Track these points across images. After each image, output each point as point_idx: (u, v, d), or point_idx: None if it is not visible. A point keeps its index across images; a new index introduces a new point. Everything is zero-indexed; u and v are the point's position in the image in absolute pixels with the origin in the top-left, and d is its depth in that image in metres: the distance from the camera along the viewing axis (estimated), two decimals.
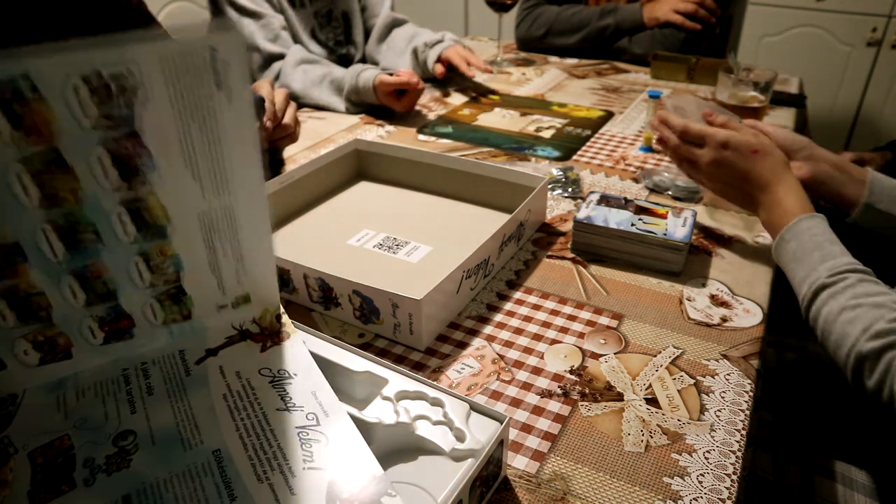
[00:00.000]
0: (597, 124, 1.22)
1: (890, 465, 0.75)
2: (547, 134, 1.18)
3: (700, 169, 0.77)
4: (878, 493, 0.73)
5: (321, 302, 0.69)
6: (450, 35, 1.50)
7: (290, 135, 0.95)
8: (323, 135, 1.19)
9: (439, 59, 1.43)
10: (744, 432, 0.54)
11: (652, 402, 0.58)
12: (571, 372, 0.61)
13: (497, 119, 1.25)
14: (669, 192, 0.94)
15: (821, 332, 0.62)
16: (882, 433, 0.79)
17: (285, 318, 0.53)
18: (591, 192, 0.85)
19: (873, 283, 0.61)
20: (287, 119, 0.93)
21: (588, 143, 1.14)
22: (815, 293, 0.63)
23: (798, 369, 0.92)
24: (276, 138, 0.93)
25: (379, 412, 0.48)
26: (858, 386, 0.59)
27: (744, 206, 0.76)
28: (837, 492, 0.74)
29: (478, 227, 0.84)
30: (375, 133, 1.19)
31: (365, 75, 1.26)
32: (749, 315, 0.69)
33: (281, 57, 1.31)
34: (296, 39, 1.37)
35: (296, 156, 1.09)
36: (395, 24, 1.55)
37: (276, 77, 1.31)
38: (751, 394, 0.59)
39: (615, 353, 0.64)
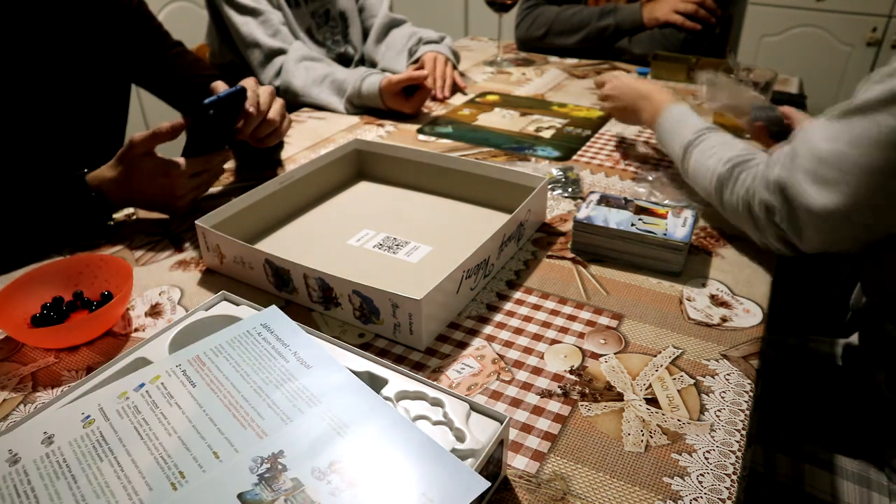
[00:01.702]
0: (597, 124, 1.22)
1: (879, 454, 0.75)
2: (547, 134, 1.18)
3: (607, 101, 1.08)
4: (868, 482, 0.73)
5: (321, 302, 0.69)
6: (448, 41, 1.49)
7: (276, 130, 0.94)
8: (323, 135, 1.19)
9: (417, 60, 1.42)
10: (744, 432, 0.54)
11: (652, 402, 0.58)
12: (571, 372, 0.61)
13: (497, 119, 1.25)
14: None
15: (693, 174, 0.83)
16: (872, 423, 0.79)
17: None
18: (591, 192, 0.85)
19: (723, 133, 0.83)
20: (272, 114, 0.91)
21: (588, 143, 1.14)
22: (685, 150, 0.85)
23: (793, 366, 0.92)
24: (263, 135, 0.92)
25: None
26: (720, 203, 0.78)
27: (637, 120, 1.02)
28: (827, 481, 0.74)
29: (478, 227, 0.84)
30: (375, 133, 1.19)
31: (370, 80, 1.25)
32: (749, 315, 0.69)
33: (282, 52, 1.30)
34: (294, 36, 1.37)
35: (296, 156, 1.09)
36: (393, 24, 1.55)
37: (278, 73, 1.31)
38: (751, 394, 0.59)
39: (615, 353, 0.64)
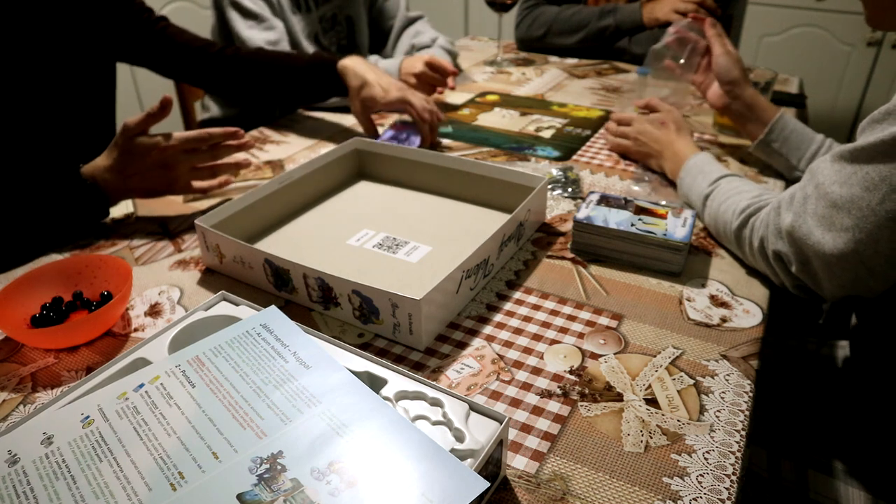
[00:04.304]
0: (597, 124, 1.22)
1: (883, 459, 0.75)
2: (547, 134, 1.18)
3: (630, 141, 1.05)
4: (872, 487, 0.73)
5: (321, 302, 0.69)
6: (441, 41, 1.49)
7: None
8: (323, 134, 1.18)
9: None
10: (743, 433, 0.54)
11: (651, 402, 0.58)
12: (571, 372, 0.61)
13: (497, 119, 1.25)
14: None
15: (714, 227, 0.81)
16: (875, 428, 0.79)
17: None
18: (591, 192, 0.85)
19: (736, 178, 0.82)
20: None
21: (588, 143, 1.14)
22: (703, 203, 0.83)
23: (794, 368, 0.92)
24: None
25: None
26: (744, 257, 0.76)
27: (659, 166, 0.99)
28: (832, 487, 0.74)
29: (478, 227, 0.84)
30: None
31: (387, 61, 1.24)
32: (749, 315, 0.69)
33: None
34: (296, 45, 1.37)
35: (295, 156, 1.09)
36: (408, 23, 1.55)
37: None
38: (750, 394, 0.58)
39: (615, 354, 0.64)
